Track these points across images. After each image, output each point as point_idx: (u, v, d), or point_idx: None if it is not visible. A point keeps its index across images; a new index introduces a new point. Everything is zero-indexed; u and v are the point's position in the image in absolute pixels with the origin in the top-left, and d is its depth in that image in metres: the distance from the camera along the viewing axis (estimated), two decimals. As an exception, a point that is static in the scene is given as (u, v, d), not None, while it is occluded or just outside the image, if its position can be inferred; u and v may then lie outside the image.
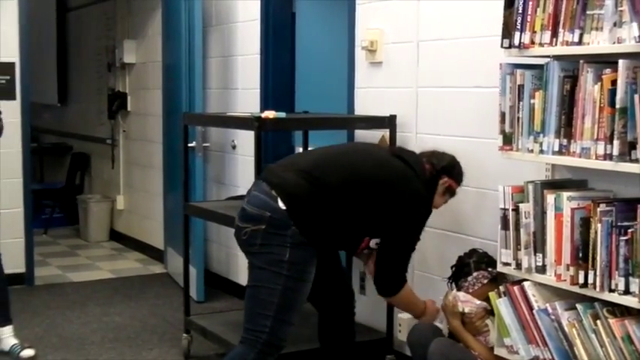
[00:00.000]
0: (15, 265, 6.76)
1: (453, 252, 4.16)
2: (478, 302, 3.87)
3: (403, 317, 4.67)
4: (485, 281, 3.90)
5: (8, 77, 6.74)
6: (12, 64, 6.76)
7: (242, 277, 6.35)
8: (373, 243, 3.93)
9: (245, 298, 3.70)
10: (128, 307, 6.36)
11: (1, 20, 6.70)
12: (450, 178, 3.92)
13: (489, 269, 3.90)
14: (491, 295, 3.67)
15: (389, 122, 4.64)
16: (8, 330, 5.23)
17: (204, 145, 6.50)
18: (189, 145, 5.80)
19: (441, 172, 3.89)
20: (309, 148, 5.34)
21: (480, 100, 4.21)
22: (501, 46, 3.56)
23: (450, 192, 3.97)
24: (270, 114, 4.52)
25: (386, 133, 4.70)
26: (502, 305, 3.60)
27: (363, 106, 5.05)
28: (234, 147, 6.44)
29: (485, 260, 3.95)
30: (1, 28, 6.71)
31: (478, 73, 4.22)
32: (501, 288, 3.61)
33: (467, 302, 3.88)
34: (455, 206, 4.30)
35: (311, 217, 3.56)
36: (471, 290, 3.92)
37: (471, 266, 3.95)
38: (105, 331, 5.73)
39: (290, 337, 3.69)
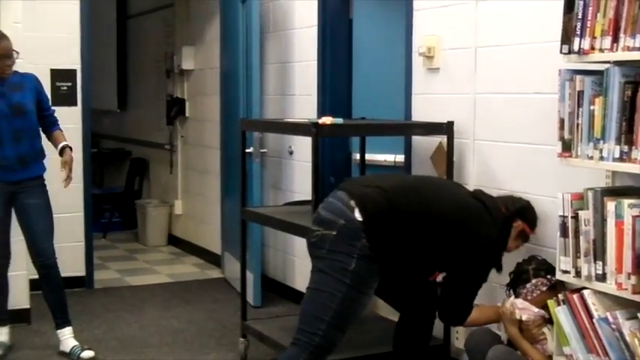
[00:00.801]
0: (75, 268, 6.88)
1: (511, 259, 4.12)
2: (536, 310, 3.84)
3: (460, 324, 4.65)
4: (544, 288, 3.87)
5: (70, 84, 6.86)
6: (73, 71, 6.87)
7: (298, 282, 6.37)
8: (440, 277, 3.95)
9: (303, 300, 3.71)
10: (185, 311, 6.41)
11: (63, 28, 6.81)
12: (524, 222, 3.93)
13: (548, 276, 3.86)
14: (550, 303, 3.63)
15: (446, 129, 4.62)
16: (68, 331, 5.31)
17: (262, 150, 6.53)
18: (247, 150, 5.83)
19: (515, 215, 3.90)
20: (368, 157, 5.35)
21: (539, 107, 4.17)
22: (560, 52, 3.52)
23: (523, 237, 3.98)
24: (327, 120, 4.52)
25: (443, 139, 4.68)
26: (561, 313, 3.56)
27: (421, 113, 5.03)
28: (291, 153, 6.46)
29: (544, 267, 3.91)
30: (63, 36, 6.82)
31: (537, 80, 4.19)
32: (560, 296, 3.57)
33: (524, 310, 3.85)
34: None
35: (383, 234, 3.57)
36: (529, 297, 3.88)
37: (530, 273, 3.92)
38: (162, 335, 5.78)
39: (348, 343, 3.70)
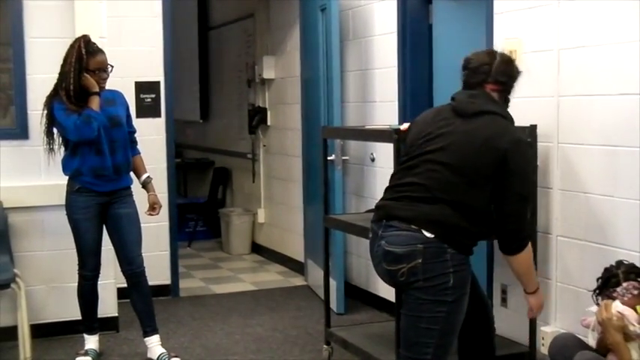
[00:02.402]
0: (161, 277, 6.98)
1: (594, 263, 4.05)
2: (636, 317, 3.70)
3: (546, 330, 4.59)
4: (636, 292, 3.76)
5: (154, 96, 6.97)
6: (157, 83, 6.98)
7: (382, 289, 6.36)
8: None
9: (404, 327, 3.66)
10: (270, 318, 6.44)
11: (146, 42, 6.94)
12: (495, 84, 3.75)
13: (639, 279, 3.77)
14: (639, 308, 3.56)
15: (530, 132, 4.56)
16: (156, 339, 5.40)
17: (344, 158, 6.54)
18: (329, 158, 5.84)
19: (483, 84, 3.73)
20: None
21: (625, 108, 4.09)
22: (646, 52, 3.46)
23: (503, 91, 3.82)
24: (408, 126, 4.50)
25: (526, 143, 4.62)
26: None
27: (503, 117, 4.97)
28: (373, 160, 6.46)
29: (635, 271, 3.82)
30: (146, 49, 6.95)
31: (622, 80, 4.11)
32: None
33: (629, 316, 3.71)
34: (596, 216, 4.19)
35: (459, 232, 3.52)
36: (619, 301, 3.80)
37: (620, 277, 3.82)
38: (247, 342, 5.83)
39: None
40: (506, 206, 3.59)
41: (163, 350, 5.36)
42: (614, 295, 3.80)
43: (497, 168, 3.53)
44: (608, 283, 3.86)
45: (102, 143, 5.11)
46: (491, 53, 3.84)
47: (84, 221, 5.21)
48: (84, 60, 5.03)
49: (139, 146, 5.50)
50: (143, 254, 5.35)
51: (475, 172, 3.54)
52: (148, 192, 5.45)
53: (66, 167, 5.21)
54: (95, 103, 5.05)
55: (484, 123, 3.61)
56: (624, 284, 3.78)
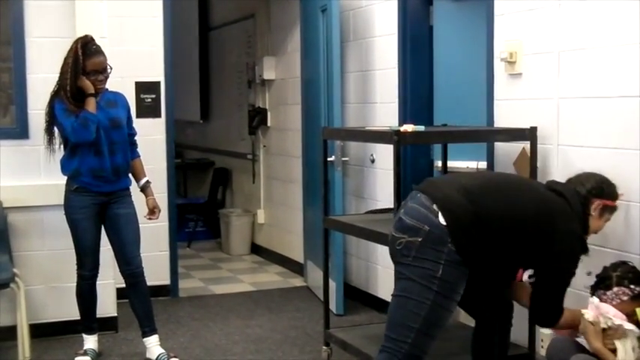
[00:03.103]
0: (160, 277, 6.98)
1: (598, 266, 4.05)
2: (618, 322, 3.72)
3: (545, 332, 4.58)
4: (625, 298, 3.77)
5: (154, 96, 6.97)
6: (157, 84, 6.98)
7: (381, 291, 6.36)
8: (526, 275, 3.88)
9: (390, 307, 3.67)
10: (269, 319, 6.44)
11: (147, 42, 6.94)
12: (602, 198, 3.86)
13: (632, 286, 3.77)
14: (639, 310, 3.56)
15: (529, 134, 4.57)
16: (154, 339, 5.39)
17: (344, 159, 6.54)
18: (329, 159, 5.84)
19: (590, 197, 3.84)
20: (450, 164, 5.31)
21: (625, 110, 4.10)
22: (647, 54, 3.46)
23: (609, 210, 3.92)
24: (409, 127, 4.50)
25: (526, 145, 4.63)
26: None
27: (503, 118, 4.98)
28: (373, 161, 6.46)
29: (629, 276, 3.81)
30: (147, 50, 6.95)
31: (622, 82, 4.11)
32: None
33: (607, 315, 3.75)
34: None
35: (470, 237, 3.51)
36: (609, 303, 3.81)
37: (613, 280, 3.83)
38: (246, 343, 5.83)
39: (435, 351, 3.66)
40: (545, 285, 3.71)
41: (162, 350, 5.36)
42: (604, 297, 3.81)
43: (542, 236, 3.61)
44: (602, 283, 3.87)
45: (101, 144, 5.11)
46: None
47: (82, 221, 5.21)
48: (80, 61, 5.03)
49: (138, 148, 5.49)
50: (142, 254, 5.35)
51: (521, 211, 3.62)
52: (146, 196, 5.45)
53: (65, 167, 5.21)
54: (91, 105, 5.05)
55: (557, 198, 3.73)
56: (615, 289, 3.79)
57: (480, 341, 4.09)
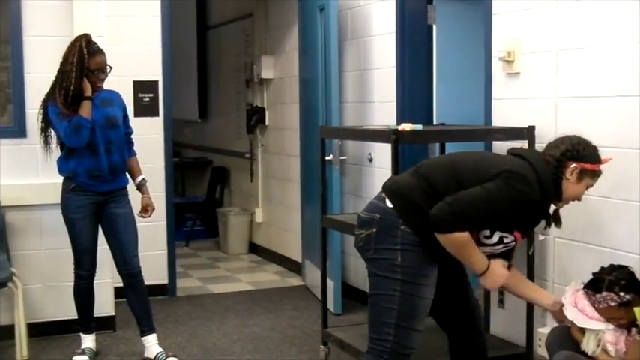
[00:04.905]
0: (158, 276, 6.98)
1: (591, 264, 4.05)
2: (579, 324, 3.79)
3: (543, 331, 4.58)
4: (613, 304, 3.75)
5: (152, 95, 6.97)
6: (155, 83, 6.98)
7: (379, 290, 6.36)
8: (481, 236, 3.61)
9: (368, 307, 3.67)
10: (267, 318, 6.44)
11: (144, 41, 6.94)
12: (579, 161, 3.58)
13: (621, 293, 3.75)
14: (637, 310, 3.56)
15: (527, 133, 4.57)
16: (153, 338, 5.40)
17: (341, 158, 6.54)
18: (327, 158, 5.84)
19: (564, 160, 3.58)
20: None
21: (623, 109, 4.10)
22: (645, 54, 3.46)
23: (590, 175, 3.62)
24: (406, 126, 4.50)
25: (524, 144, 4.63)
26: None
27: (501, 118, 4.99)
28: (370, 160, 6.46)
29: (621, 282, 3.77)
30: (145, 49, 6.95)
31: (620, 81, 4.12)
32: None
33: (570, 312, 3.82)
34: (596, 218, 4.19)
35: (418, 211, 3.46)
36: (596, 306, 3.80)
37: (604, 283, 3.82)
38: (244, 342, 5.83)
39: (425, 351, 3.64)
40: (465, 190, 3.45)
41: (161, 349, 5.36)
42: (592, 299, 3.81)
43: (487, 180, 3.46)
44: (594, 284, 3.87)
45: (98, 144, 5.11)
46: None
47: (79, 220, 5.20)
48: (85, 60, 5.02)
49: (135, 147, 5.49)
50: (140, 254, 5.35)
51: (467, 175, 3.52)
52: (142, 194, 5.44)
53: (61, 168, 5.20)
54: (86, 110, 5.02)
55: (513, 159, 3.57)
56: (604, 293, 3.78)
57: (456, 351, 3.99)
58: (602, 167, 3.66)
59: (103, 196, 5.22)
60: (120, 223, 5.27)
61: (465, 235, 3.44)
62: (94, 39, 5.17)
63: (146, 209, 5.44)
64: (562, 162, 3.57)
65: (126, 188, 5.34)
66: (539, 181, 3.47)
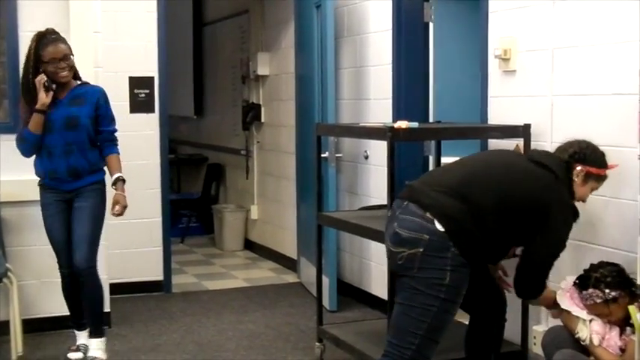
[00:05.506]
0: (153, 272, 6.98)
1: (587, 262, 4.05)
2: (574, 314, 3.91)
3: (538, 329, 4.59)
4: (598, 301, 3.81)
5: (147, 91, 6.96)
6: (151, 79, 6.97)
7: (374, 287, 6.36)
8: (519, 250, 3.87)
9: (395, 314, 3.66)
10: (262, 315, 6.44)
11: (141, 37, 6.93)
12: (585, 164, 3.79)
13: (606, 290, 3.78)
14: (632, 308, 3.57)
15: (523, 131, 4.57)
16: (95, 343, 5.19)
17: (337, 155, 6.54)
18: (322, 155, 5.84)
19: (571, 162, 3.78)
20: (444, 160, 5.31)
21: (619, 107, 4.10)
22: (641, 52, 3.46)
23: (595, 178, 3.84)
24: (402, 124, 4.50)
25: (520, 142, 4.63)
26: (643, 319, 3.49)
27: (497, 115, 4.99)
28: (366, 157, 6.46)
29: (607, 280, 3.82)
30: (141, 45, 6.94)
31: (616, 80, 4.12)
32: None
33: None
34: (589, 216, 4.19)
35: (471, 237, 3.52)
36: (584, 303, 3.89)
37: (591, 281, 3.86)
38: (239, 339, 5.83)
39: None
40: (535, 255, 3.71)
41: (97, 356, 5.15)
42: (581, 295, 3.86)
43: (535, 214, 3.61)
44: (582, 281, 3.91)
45: (54, 146, 4.96)
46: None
47: (48, 217, 5.12)
48: (36, 54, 4.84)
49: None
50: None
51: (511, 196, 3.62)
52: (115, 191, 5.12)
53: (34, 167, 5.11)
54: (34, 123, 4.88)
55: (541, 171, 3.71)
56: (590, 290, 3.84)
57: (474, 336, 4.10)
58: (609, 172, 3.86)
59: (69, 193, 5.06)
60: (75, 217, 5.05)
61: (546, 292, 3.92)
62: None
63: (115, 205, 5.09)
64: (570, 164, 3.77)
65: (96, 182, 5.11)
66: (569, 193, 3.75)
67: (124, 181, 5.14)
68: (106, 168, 5.19)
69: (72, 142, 4.98)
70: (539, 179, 3.68)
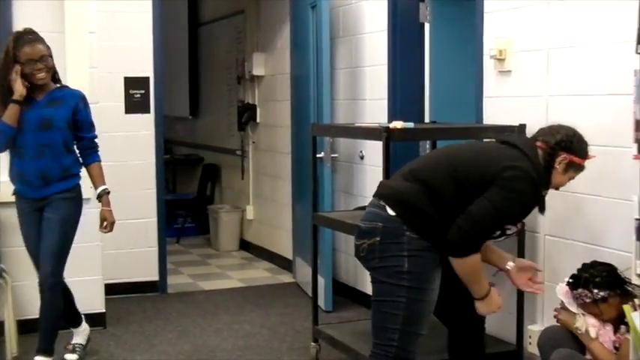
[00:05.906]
0: (149, 273, 6.98)
1: (582, 262, 4.05)
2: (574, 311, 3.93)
3: (533, 329, 4.59)
4: (588, 301, 3.83)
5: (143, 91, 6.95)
6: (146, 79, 6.96)
7: (370, 287, 6.34)
8: (511, 231, 3.69)
9: (372, 313, 3.69)
10: (257, 315, 6.44)
11: (136, 37, 6.92)
12: (569, 153, 3.66)
13: (595, 290, 3.80)
14: (626, 308, 3.57)
15: (518, 132, 4.57)
16: None
17: (333, 155, 6.54)
18: (318, 155, 5.84)
19: (557, 149, 3.64)
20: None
21: (614, 108, 4.10)
22: (636, 52, 3.45)
23: (575, 168, 3.70)
24: (398, 124, 4.51)
25: (515, 142, 4.63)
26: (637, 319, 3.48)
27: (492, 116, 4.99)
28: (362, 157, 6.46)
29: (596, 280, 3.81)
30: (136, 45, 6.93)
31: (611, 80, 4.12)
32: (637, 301, 3.51)
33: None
34: (584, 215, 4.19)
35: (421, 215, 3.48)
36: (575, 302, 3.91)
37: (581, 281, 3.87)
38: (235, 339, 5.82)
39: (420, 349, 3.66)
40: (473, 206, 3.47)
41: None
42: (573, 295, 3.89)
43: (489, 181, 3.48)
44: (572, 280, 3.92)
45: (25, 147, 4.80)
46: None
47: (22, 227, 4.97)
48: (10, 55, 4.71)
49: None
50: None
51: (467, 174, 3.53)
52: (101, 206, 4.99)
53: (8, 172, 4.99)
54: (9, 114, 4.69)
55: (509, 150, 3.60)
56: (579, 290, 3.86)
57: (454, 348, 4.02)
58: (587, 163, 3.76)
59: (39, 202, 4.87)
60: (44, 228, 4.84)
61: (478, 257, 3.52)
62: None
63: (103, 222, 4.98)
64: (555, 150, 3.65)
65: (68, 190, 4.91)
66: (535, 170, 3.54)
67: (109, 193, 5.02)
68: (86, 175, 5.01)
69: (44, 144, 4.80)
70: (498, 153, 3.59)
